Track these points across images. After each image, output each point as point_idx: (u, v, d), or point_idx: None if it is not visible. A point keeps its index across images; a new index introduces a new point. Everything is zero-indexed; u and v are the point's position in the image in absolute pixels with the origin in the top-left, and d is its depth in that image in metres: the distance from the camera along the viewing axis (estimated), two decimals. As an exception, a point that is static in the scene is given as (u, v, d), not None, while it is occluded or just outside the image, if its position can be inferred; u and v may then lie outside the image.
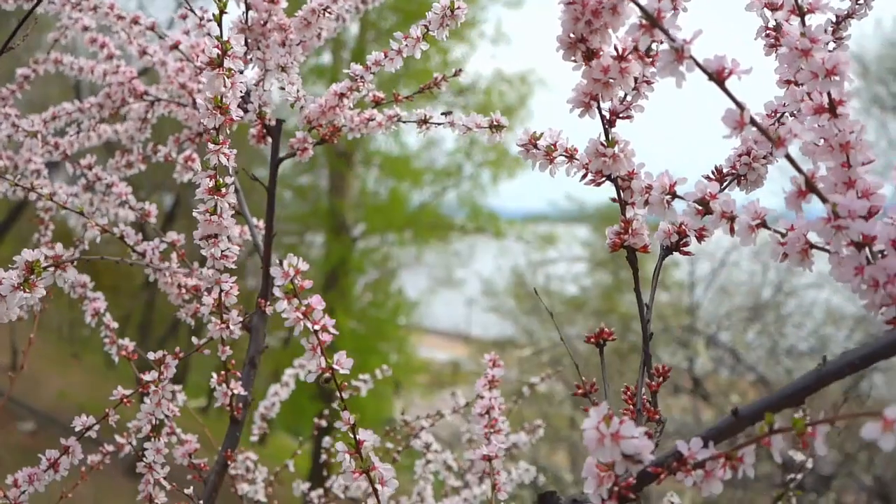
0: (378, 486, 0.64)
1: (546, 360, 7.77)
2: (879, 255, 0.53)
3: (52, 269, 0.67)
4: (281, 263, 0.61)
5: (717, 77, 0.50)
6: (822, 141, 0.56)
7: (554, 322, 0.89)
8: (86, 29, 1.20)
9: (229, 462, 0.99)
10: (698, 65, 0.50)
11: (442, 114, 0.93)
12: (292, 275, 0.61)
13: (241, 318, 0.91)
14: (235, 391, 0.97)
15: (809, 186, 0.52)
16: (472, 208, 11.38)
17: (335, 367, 0.63)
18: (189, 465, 1.00)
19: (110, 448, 1.14)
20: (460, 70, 0.99)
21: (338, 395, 0.65)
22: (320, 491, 1.33)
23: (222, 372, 0.96)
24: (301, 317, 0.62)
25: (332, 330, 0.63)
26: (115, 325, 1.09)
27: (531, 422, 1.50)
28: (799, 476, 1.09)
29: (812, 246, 0.54)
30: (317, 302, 0.62)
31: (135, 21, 1.09)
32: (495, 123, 0.83)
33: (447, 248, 11.86)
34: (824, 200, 0.51)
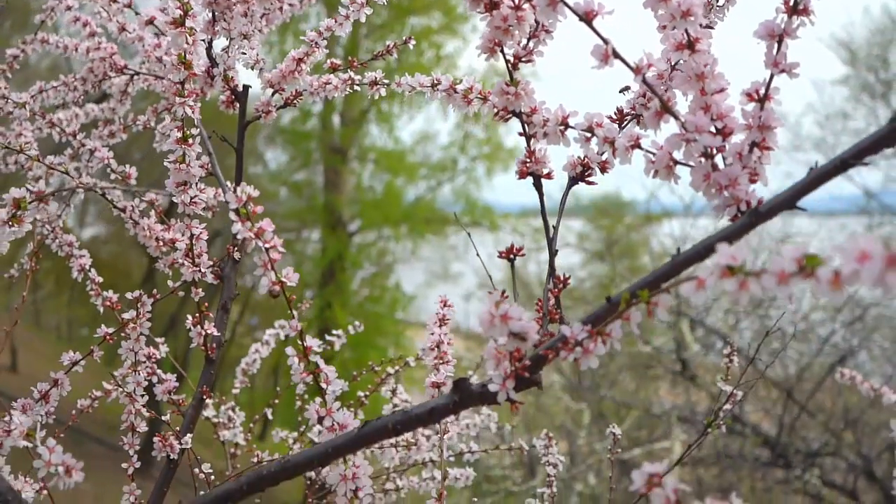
0: (323, 385, 0.74)
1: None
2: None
3: (35, 203, 0.76)
4: (235, 191, 0.71)
5: (586, 17, 0.60)
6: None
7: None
8: (69, 9, 1.29)
9: (205, 397, 1.09)
10: (569, 7, 0.60)
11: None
12: (245, 199, 0.71)
13: (211, 262, 1.01)
14: (209, 332, 1.07)
15: (665, 108, 0.62)
16: (468, 202, 11.48)
17: (284, 279, 0.73)
18: (169, 400, 1.10)
19: (98, 393, 1.24)
20: (410, 38, 1.09)
21: (289, 309, 0.75)
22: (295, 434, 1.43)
23: (196, 314, 1.06)
24: (253, 236, 0.71)
25: (280, 248, 0.73)
26: (99, 279, 1.18)
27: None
28: (728, 407, 1.18)
29: (676, 162, 0.64)
30: (267, 224, 0.72)
31: (113, -1, 1.19)
32: (434, 83, 0.92)
33: (443, 242, 11.96)
34: (677, 119, 0.61)
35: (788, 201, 0.57)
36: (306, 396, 1.48)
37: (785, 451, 6.10)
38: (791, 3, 0.61)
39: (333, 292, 10.69)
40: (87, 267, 1.21)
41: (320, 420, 0.74)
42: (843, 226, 9.49)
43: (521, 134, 0.73)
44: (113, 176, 1.17)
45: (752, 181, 0.61)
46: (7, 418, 0.73)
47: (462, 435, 1.44)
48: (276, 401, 1.53)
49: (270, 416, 1.47)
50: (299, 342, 0.75)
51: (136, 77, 1.30)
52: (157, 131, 1.31)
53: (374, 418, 0.69)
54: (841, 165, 0.56)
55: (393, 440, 1.23)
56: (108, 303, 1.16)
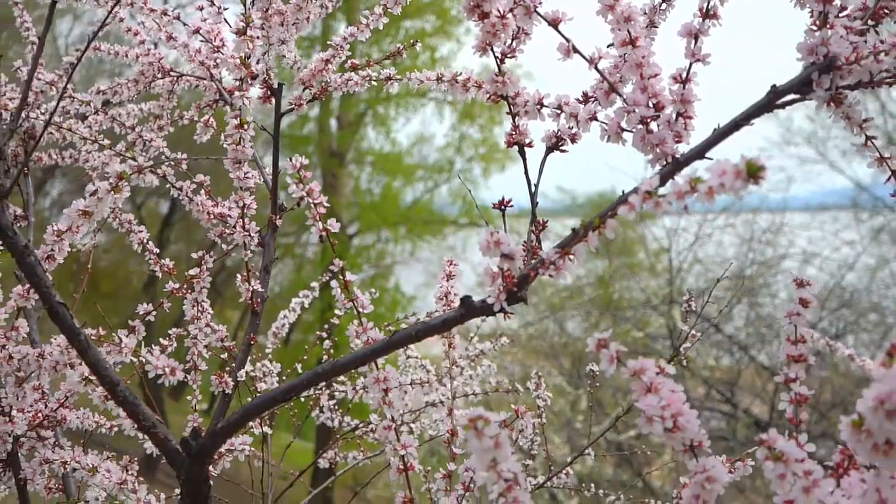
0: (359, 309, 0.96)
1: (545, 347, 8.16)
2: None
3: (136, 175, 0.98)
4: (290, 159, 0.93)
5: (553, 23, 0.82)
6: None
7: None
8: (121, 20, 1.51)
9: (252, 343, 1.31)
10: (541, 16, 0.82)
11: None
12: (299, 166, 0.93)
13: (259, 229, 1.23)
14: (255, 288, 1.29)
15: (612, 89, 0.84)
16: (465, 202, 11.71)
17: (329, 227, 0.95)
18: (222, 346, 1.32)
19: (166, 342, 1.45)
20: (416, 41, 1.31)
21: (333, 252, 0.97)
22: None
23: (245, 273, 1.28)
24: (305, 195, 0.93)
25: (326, 204, 0.94)
26: (156, 250, 1.40)
27: (495, 336, 1.82)
28: (687, 345, 1.40)
29: (622, 129, 0.86)
30: (315, 185, 0.94)
31: (164, 13, 1.41)
32: (439, 76, 1.15)
33: (441, 242, 12.17)
34: (621, 97, 0.83)
35: (698, 154, 0.79)
36: (332, 352, 1.70)
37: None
38: (704, 10, 0.84)
39: (333, 295, 10.89)
40: (146, 241, 1.43)
41: (357, 336, 0.96)
42: (836, 218, 9.71)
43: (508, 113, 0.95)
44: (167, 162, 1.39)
45: (678, 141, 0.83)
46: (117, 340, 0.95)
47: (467, 384, 1.66)
48: (305, 357, 1.75)
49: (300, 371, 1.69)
50: (341, 277, 0.97)
51: (180, 78, 1.52)
52: (199, 124, 1.53)
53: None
54: (735, 126, 0.78)
55: (409, 380, 1.44)
56: (165, 269, 1.38)
